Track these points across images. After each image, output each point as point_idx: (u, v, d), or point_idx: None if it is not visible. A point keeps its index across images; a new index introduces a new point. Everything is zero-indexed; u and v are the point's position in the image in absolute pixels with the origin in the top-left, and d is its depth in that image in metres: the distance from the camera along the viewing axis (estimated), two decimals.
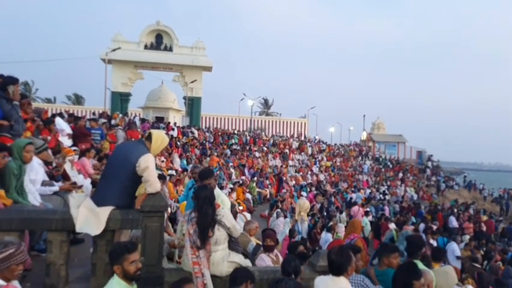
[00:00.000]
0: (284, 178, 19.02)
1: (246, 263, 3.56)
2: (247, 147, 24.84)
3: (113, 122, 15.98)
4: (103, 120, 14.26)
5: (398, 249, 3.64)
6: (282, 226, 9.23)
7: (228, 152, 20.83)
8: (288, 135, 37.21)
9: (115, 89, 30.38)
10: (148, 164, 3.30)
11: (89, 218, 3.25)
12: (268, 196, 16.19)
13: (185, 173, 11.70)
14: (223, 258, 3.34)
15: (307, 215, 10.77)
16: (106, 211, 3.28)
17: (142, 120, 20.98)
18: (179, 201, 6.59)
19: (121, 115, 19.72)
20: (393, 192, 25.80)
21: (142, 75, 32.28)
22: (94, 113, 22.37)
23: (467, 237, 12.16)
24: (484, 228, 16.11)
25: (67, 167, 6.07)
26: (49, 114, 9.94)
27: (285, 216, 10.55)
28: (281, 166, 22.75)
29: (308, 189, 18.05)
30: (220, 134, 26.24)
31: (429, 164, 39.18)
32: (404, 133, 48.21)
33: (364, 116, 48.54)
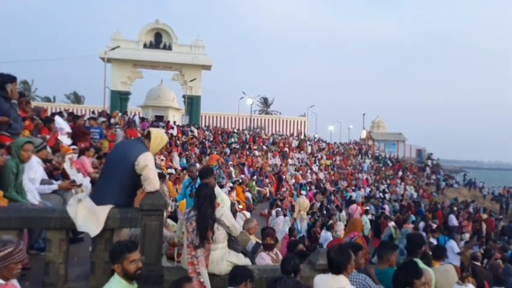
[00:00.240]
0: (284, 177, 19.04)
1: (246, 261, 3.55)
2: (247, 146, 24.83)
3: (112, 120, 15.98)
4: (102, 119, 14.25)
5: (397, 247, 3.65)
6: (281, 225, 9.24)
7: (228, 150, 20.83)
8: (288, 134, 37.22)
9: (114, 87, 30.37)
10: (147, 163, 3.29)
11: (88, 217, 3.25)
12: (267, 195, 16.19)
13: (184, 171, 11.69)
14: (222, 257, 3.33)
15: (307, 214, 10.79)
16: (104, 210, 3.27)
17: (142, 119, 20.96)
18: (177, 200, 6.58)
19: (120, 114, 19.71)
20: (393, 190, 25.83)
21: (142, 74, 32.27)
22: (93, 112, 22.34)
23: (467, 235, 12.17)
24: (484, 227, 16.14)
25: (66, 165, 6.06)
26: (49, 113, 9.93)
27: (285, 215, 10.56)
28: (281, 165, 22.76)
29: (308, 188, 18.06)
30: (219, 132, 26.22)
31: (429, 162, 39.22)
32: (403, 131, 48.32)
33: (364, 114, 48.51)
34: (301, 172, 22.81)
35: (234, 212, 6.98)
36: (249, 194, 13.97)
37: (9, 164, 3.88)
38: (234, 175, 15.96)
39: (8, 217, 3.21)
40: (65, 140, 7.93)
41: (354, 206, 14.16)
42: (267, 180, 17.99)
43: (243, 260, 3.49)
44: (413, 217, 14.50)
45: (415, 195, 26.51)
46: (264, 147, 26.51)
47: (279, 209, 10.95)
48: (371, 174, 30.60)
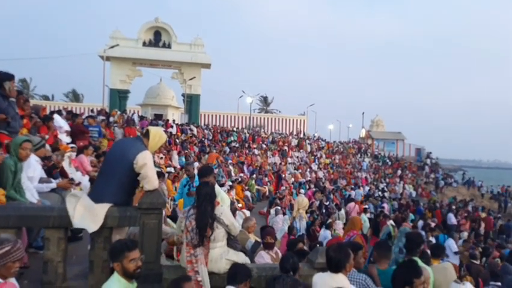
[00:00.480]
0: (283, 175, 19.05)
1: (246, 260, 3.55)
2: (246, 145, 24.83)
3: (111, 119, 15.95)
4: (101, 117, 14.23)
5: (390, 248, 3.67)
6: (281, 223, 9.24)
7: (227, 149, 20.83)
8: (287, 133, 37.22)
9: (113, 86, 30.32)
10: (145, 161, 3.28)
11: (86, 215, 3.24)
12: (267, 193, 16.20)
13: (183, 170, 11.69)
14: (221, 256, 3.33)
15: (306, 212, 10.79)
16: (103, 208, 3.27)
17: (141, 118, 20.93)
18: (176, 199, 6.58)
19: (119, 112, 19.69)
20: (392, 189, 25.86)
21: (141, 72, 32.21)
22: (92, 110, 22.33)
23: (466, 234, 12.19)
24: (483, 225, 16.17)
25: (65, 164, 6.06)
26: (48, 112, 9.91)
27: (284, 214, 10.57)
28: (280, 163, 22.77)
29: (307, 187, 18.08)
30: (219, 131, 26.21)
31: (428, 161, 39.22)
32: (402, 130, 48.44)
33: (363, 113, 48.52)
34: (300, 171, 22.82)
35: (234, 211, 6.98)
36: (248, 193, 13.98)
37: (7, 163, 3.87)
38: (233, 174, 15.96)
39: (7, 215, 3.20)
40: (64, 138, 7.92)
41: (352, 204, 14.17)
42: (267, 179, 18.00)
43: (242, 259, 3.49)
44: (411, 216, 14.50)
45: (414, 194, 26.54)
46: (264, 146, 26.51)
47: (278, 207, 10.95)
48: (370, 173, 30.61)
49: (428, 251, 5.31)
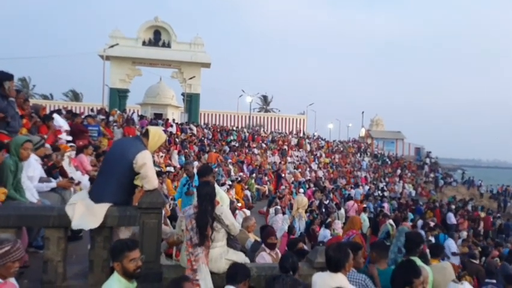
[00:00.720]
0: (283, 175, 19.04)
1: (245, 260, 3.56)
2: (246, 144, 24.83)
3: (111, 118, 15.94)
4: (101, 116, 14.22)
5: (387, 248, 3.67)
6: (280, 223, 9.24)
7: (227, 148, 20.82)
8: (287, 132, 37.21)
9: (113, 85, 30.30)
10: (145, 161, 3.29)
11: (85, 214, 3.24)
12: (266, 193, 16.21)
13: (183, 169, 11.70)
14: (221, 255, 3.33)
15: (306, 212, 10.79)
16: (103, 208, 3.27)
17: (141, 117, 20.92)
18: (175, 199, 6.59)
19: (119, 112, 19.68)
20: (392, 188, 25.86)
21: (140, 71, 32.19)
22: (92, 110, 22.33)
23: (465, 233, 12.19)
24: (482, 225, 16.18)
25: (65, 163, 6.06)
26: (47, 111, 9.90)
27: (284, 213, 10.57)
28: (280, 163, 22.76)
29: (307, 186, 18.08)
30: (218, 130, 26.21)
31: (428, 160, 39.22)
32: (402, 130, 48.38)
33: (363, 112, 48.44)
34: (300, 170, 22.81)
35: (233, 210, 6.99)
36: (248, 192, 13.98)
37: (7, 162, 3.87)
38: (233, 173, 15.96)
39: (7, 215, 3.21)
40: (65, 137, 7.92)
41: (350, 202, 14.18)
42: (266, 178, 18.00)
43: (242, 259, 3.49)
44: (410, 215, 14.51)
45: (413, 193, 26.55)
46: (263, 145, 26.50)
47: (278, 207, 10.95)
48: (369, 172, 30.61)
49: (428, 251, 5.31)
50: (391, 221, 9.84)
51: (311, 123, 47.07)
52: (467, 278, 5.80)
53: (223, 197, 4.47)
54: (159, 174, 7.27)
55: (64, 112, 10.82)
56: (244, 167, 18.42)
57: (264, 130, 35.69)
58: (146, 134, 3.52)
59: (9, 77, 5.03)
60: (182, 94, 32.02)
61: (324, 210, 13.22)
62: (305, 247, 5.22)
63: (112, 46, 26.21)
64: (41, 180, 4.73)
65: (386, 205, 16.56)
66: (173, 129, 19.54)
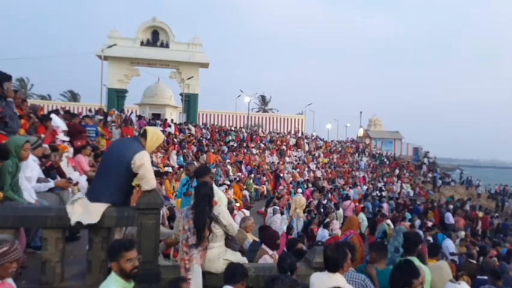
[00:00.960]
0: (281, 175, 19.04)
1: (243, 260, 3.56)
2: (244, 144, 24.83)
3: (109, 118, 15.91)
4: (99, 117, 14.19)
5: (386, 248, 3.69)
6: (279, 223, 9.25)
7: (225, 148, 20.81)
8: (285, 132, 37.22)
9: (111, 85, 30.24)
10: (143, 161, 3.29)
11: (84, 213, 3.25)
12: (265, 193, 16.20)
13: (181, 169, 11.68)
14: (218, 255, 3.34)
15: (304, 212, 10.80)
16: (100, 207, 3.27)
17: (139, 117, 20.90)
18: (177, 197, 6.60)
19: (117, 112, 19.65)
20: (390, 188, 25.89)
21: (139, 71, 32.12)
22: (90, 110, 22.25)
23: (463, 233, 12.22)
24: (480, 225, 16.21)
25: (63, 163, 6.05)
26: (45, 111, 9.88)
27: (282, 213, 10.57)
28: (278, 163, 22.76)
29: (305, 186, 18.09)
30: (217, 130, 26.20)
31: (426, 160, 39.32)
32: (400, 130, 48.45)
33: (361, 112, 48.57)
34: (298, 170, 22.82)
35: (231, 210, 6.99)
36: (246, 192, 13.98)
37: (5, 163, 3.87)
38: (231, 173, 15.96)
39: (5, 216, 3.20)
40: (62, 137, 7.90)
41: (347, 202, 14.20)
42: (265, 178, 18.01)
43: (239, 259, 3.49)
44: (408, 215, 14.54)
45: (412, 193, 26.59)
46: (262, 145, 26.52)
47: (276, 207, 10.95)
48: (368, 172, 30.66)
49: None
50: (388, 221, 9.87)
51: (309, 123, 47.15)
52: (465, 278, 5.82)
53: (220, 197, 4.47)
54: (158, 175, 7.26)
55: (61, 112, 10.79)
56: (243, 167, 18.41)
57: (262, 130, 35.71)
58: (144, 135, 3.52)
59: (8, 77, 5.03)
60: (181, 94, 31.99)
61: (322, 210, 13.24)
62: (304, 247, 5.21)
63: (110, 46, 26.16)
64: (39, 180, 4.72)
65: (385, 205, 16.59)
66: (172, 130, 19.51)
